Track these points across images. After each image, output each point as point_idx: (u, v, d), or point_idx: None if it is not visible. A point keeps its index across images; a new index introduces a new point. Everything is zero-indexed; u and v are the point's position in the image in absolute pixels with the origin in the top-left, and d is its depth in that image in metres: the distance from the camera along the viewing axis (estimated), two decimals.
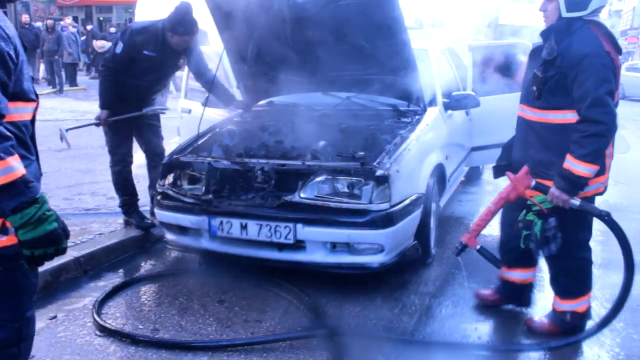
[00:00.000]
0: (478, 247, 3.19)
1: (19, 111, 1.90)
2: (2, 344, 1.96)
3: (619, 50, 2.99)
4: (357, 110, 4.76)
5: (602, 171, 3.06)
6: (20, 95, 1.90)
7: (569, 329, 3.31)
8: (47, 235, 1.80)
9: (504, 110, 5.74)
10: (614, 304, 3.18)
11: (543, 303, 3.88)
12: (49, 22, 16.13)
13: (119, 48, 4.39)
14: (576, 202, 2.95)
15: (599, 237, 5.30)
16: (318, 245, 3.71)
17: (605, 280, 4.27)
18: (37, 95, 2.02)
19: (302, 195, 3.73)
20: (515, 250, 3.32)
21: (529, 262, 3.50)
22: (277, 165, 3.88)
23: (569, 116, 2.98)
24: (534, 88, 3.07)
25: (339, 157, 4.01)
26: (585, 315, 3.37)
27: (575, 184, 2.93)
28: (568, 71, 2.91)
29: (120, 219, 4.86)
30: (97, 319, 3.42)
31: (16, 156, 1.75)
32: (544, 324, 3.42)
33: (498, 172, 3.55)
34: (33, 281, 2.04)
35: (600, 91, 2.84)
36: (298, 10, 4.24)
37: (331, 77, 4.68)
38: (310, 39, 4.37)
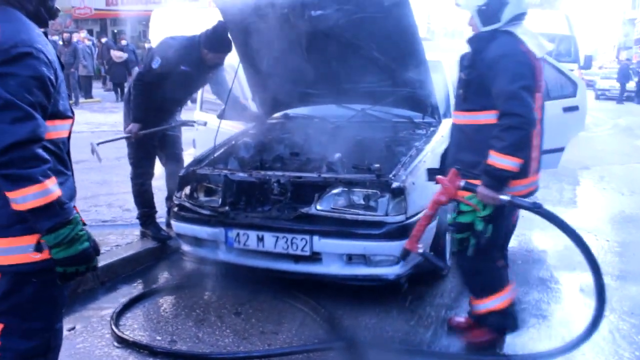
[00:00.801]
0: (420, 251, 3.21)
1: (56, 129, 1.99)
2: (32, 353, 2.04)
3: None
4: (372, 122, 4.77)
5: (526, 174, 3.10)
6: (58, 114, 2.00)
7: (494, 329, 3.29)
8: (79, 255, 1.93)
9: None
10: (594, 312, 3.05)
11: (560, 315, 3.86)
12: (65, 35, 16.34)
13: (156, 63, 4.43)
14: (505, 197, 2.94)
15: (616, 248, 5.28)
16: (334, 257, 3.72)
17: (623, 292, 4.25)
18: (72, 112, 2.11)
19: (318, 207, 3.74)
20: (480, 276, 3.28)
21: (500, 285, 3.30)
22: (293, 178, 3.90)
23: (492, 116, 3.00)
24: (461, 91, 3.18)
25: (354, 169, 4.02)
26: (507, 312, 3.26)
27: (498, 178, 2.93)
28: (487, 71, 2.98)
29: (137, 231, 4.91)
30: (115, 330, 3.45)
31: (53, 179, 1.86)
32: (462, 322, 3.48)
33: (430, 176, 3.56)
34: (65, 294, 2.15)
35: (514, 85, 2.89)
36: (313, 24, 4.27)
37: (346, 89, 4.70)
38: (325, 52, 4.41)
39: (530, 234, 5.66)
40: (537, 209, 2.96)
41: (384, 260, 3.72)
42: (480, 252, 3.10)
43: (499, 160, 2.90)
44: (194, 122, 5.22)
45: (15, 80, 1.81)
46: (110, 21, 30.07)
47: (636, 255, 5.08)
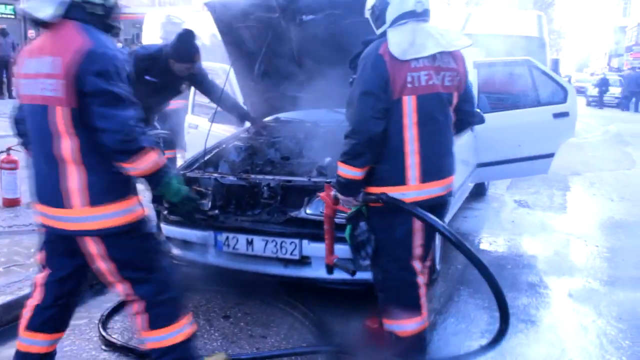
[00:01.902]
0: (335, 261, 3.26)
1: None
2: (156, 292, 2.61)
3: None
4: None
5: (401, 181, 2.85)
6: None
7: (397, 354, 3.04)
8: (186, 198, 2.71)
9: (509, 127, 5.80)
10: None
11: (549, 320, 3.88)
12: None
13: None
14: (359, 197, 2.93)
15: (605, 253, 5.31)
16: (323, 261, 3.71)
17: (612, 297, 4.27)
18: None
19: (308, 211, 3.75)
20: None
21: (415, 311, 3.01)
22: (283, 182, 3.91)
23: None
24: None
25: None
26: (412, 341, 3.00)
27: (341, 184, 2.92)
28: None
29: None
30: (103, 333, 3.43)
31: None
32: (376, 327, 3.27)
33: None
34: (160, 243, 2.82)
35: (355, 92, 2.82)
36: (304, 28, 4.29)
37: (337, 93, 4.71)
38: (316, 56, 4.42)
39: (520, 239, 5.69)
40: (381, 198, 2.83)
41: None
42: (388, 266, 2.95)
43: (339, 168, 2.91)
44: (168, 132, 5.22)
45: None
46: None
47: (625, 261, 5.11)
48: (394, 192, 2.85)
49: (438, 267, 4.45)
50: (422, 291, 3.00)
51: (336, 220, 3.22)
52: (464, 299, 4.13)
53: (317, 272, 3.74)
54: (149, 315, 2.63)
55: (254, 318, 3.75)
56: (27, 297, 3.66)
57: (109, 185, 2.47)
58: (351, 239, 2.97)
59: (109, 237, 2.50)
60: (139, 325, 2.67)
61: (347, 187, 2.91)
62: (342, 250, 3.27)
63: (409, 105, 2.81)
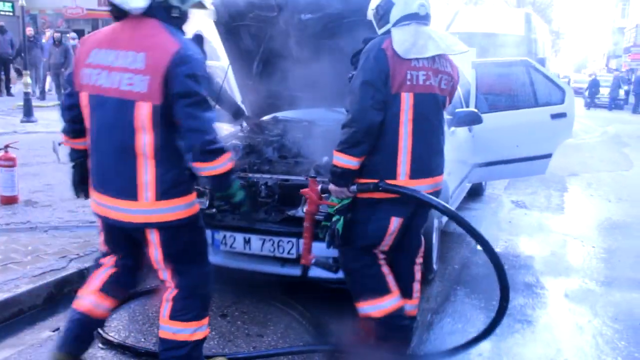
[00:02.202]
0: (313, 261, 3.29)
1: None
2: (195, 285, 2.78)
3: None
4: None
5: (391, 175, 2.93)
6: None
7: (376, 336, 3.14)
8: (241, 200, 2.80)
9: (506, 127, 5.82)
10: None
11: (545, 320, 3.89)
12: (56, 35, 16.21)
13: None
14: (353, 187, 2.97)
15: (602, 254, 5.33)
16: (321, 259, 3.72)
17: (608, 298, 4.29)
18: None
19: (305, 210, 3.74)
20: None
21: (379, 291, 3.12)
22: (281, 181, 3.91)
23: None
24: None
25: None
26: (387, 321, 3.10)
27: (336, 174, 2.96)
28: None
29: None
30: (100, 331, 3.43)
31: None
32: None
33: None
34: (206, 242, 2.93)
35: (356, 82, 2.89)
36: (303, 27, 4.29)
37: (335, 92, 4.71)
38: (315, 55, 4.41)
39: (517, 240, 5.70)
40: (380, 186, 2.91)
41: None
42: (349, 250, 3.08)
43: (334, 157, 2.96)
44: None
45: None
46: (102, 22, 29.96)
47: (621, 262, 5.13)
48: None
49: (435, 266, 4.46)
50: (386, 270, 3.12)
51: (317, 217, 3.26)
52: (461, 299, 4.14)
53: (314, 271, 3.73)
54: (177, 305, 2.75)
55: (250, 317, 3.75)
56: (24, 294, 3.69)
57: (175, 181, 2.60)
58: (341, 227, 3.00)
59: (166, 228, 2.64)
60: (164, 311, 2.78)
61: (342, 177, 2.96)
62: (321, 248, 3.28)
63: (407, 102, 2.90)
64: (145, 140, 2.50)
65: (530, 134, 5.86)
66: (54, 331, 3.49)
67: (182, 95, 2.44)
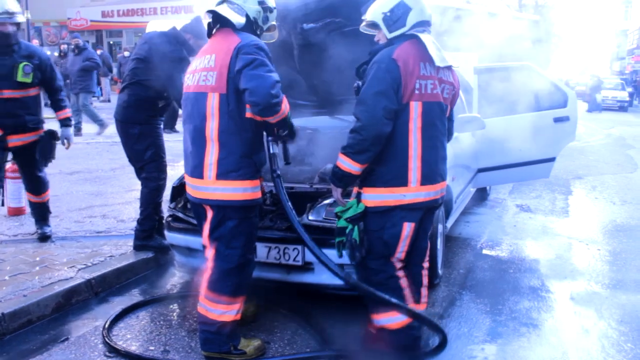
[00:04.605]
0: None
1: None
2: (230, 271, 3.12)
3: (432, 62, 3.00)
4: None
5: (402, 182, 3.00)
6: None
7: (390, 347, 3.18)
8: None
9: (510, 131, 5.83)
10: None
11: (550, 324, 3.89)
12: (63, 46, 16.32)
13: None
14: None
15: (607, 257, 5.33)
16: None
17: (614, 300, 4.29)
18: None
19: (310, 217, 3.78)
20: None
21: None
22: (286, 188, 3.93)
23: None
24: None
25: None
26: (404, 332, 3.15)
27: (337, 176, 3.10)
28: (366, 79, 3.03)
29: (131, 242, 4.88)
30: (107, 340, 3.46)
31: None
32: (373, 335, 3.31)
33: None
34: (255, 233, 3.24)
35: (368, 91, 2.95)
36: (305, 36, 4.33)
37: (338, 100, 4.76)
38: (317, 64, 4.46)
39: (522, 244, 5.71)
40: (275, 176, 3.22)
41: None
42: (369, 262, 3.11)
43: (339, 159, 3.06)
44: None
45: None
46: (106, 32, 30.18)
47: (627, 264, 5.13)
48: (395, 192, 3.01)
49: (440, 271, 4.47)
50: (404, 283, 3.15)
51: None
52: (466, 304, 4.15)
53: (320, 278, 3.77)
54: (209, 285, 3.14)
55: (257, 324, 3.77)
56: (33, 305, 3.72)
57: (236, 165, 3.00)
58: (357, 236, 3.06)
59: (219, 207, 3.04)
60: (202, 285, 3.18)
61: (342, 179, 3.09)
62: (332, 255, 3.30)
63: (415, 111, 2.98)
64: (213, 126, 2.99)
65: (534, 138, 5.88)
66: (62, 341, 3.51)
67: (244, 65, 2.87)
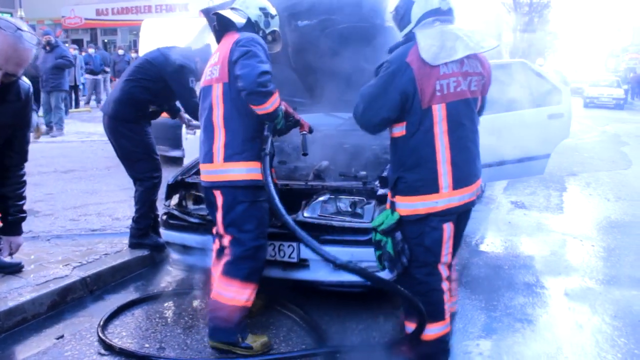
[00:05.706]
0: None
1: None
2: (244, 255, 3.28)
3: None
4: (359, 131, 4.78)
5: (433, 189, 2.86)
6: None
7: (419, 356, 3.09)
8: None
9: (504, 128, 5.85)
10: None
11: (545, 319, 3.92)
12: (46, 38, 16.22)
13: (192, 83, 4.46)
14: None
15: (601, 253, 5.35)
16: (321, 263, 3.74)
17: (607, 296, 4.31)
18: None
19: (305, 214, 3.78)
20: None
21: (440, 316, 3.03)
22: (281, 185, 3.94)
23: (395, 130, 2.96)
24: None
25: (341, 176, 4.07)
26: (436, 345, 3.05)
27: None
28: None
29: (126, 239, 4.88)
30: (103, 337, 3.46)
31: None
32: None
33: None
34: (266, 218, 3.39)
35: (371, 92, 2.89)
36: (300, 34, 4.33)
37: (333, 98, 4.75)
38: (312, 61, 4.47)
39: (516, 240, 5.73)
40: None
41: (371, 266, 3.74)
42: (414, 272, 2.96)
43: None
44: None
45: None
46: (101, 31, 30.09)
47: (620, 260, 5.15)
48: (427, 200, 2.86)
49: None
50: (446, 297, 3.01)
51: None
52: (461, 300, 4.16)
53: (315, 274, 3.78)
54: (224, 268, 3.29)
55: (252, 320, 3.77)
56: (28, 303, 3.71)
57: (240, 148, 3.21)
58: (391, 249, 2.95)
59: (227, 188, 3.23)
60: (218, 271, 3.33)
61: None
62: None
63: (439, 114, 2.80)
64: (218, 114, 3.22)
65: (528, 135, 5.89)
66: (57, 339, 3.51)
67: (239, 56, 3.08)
